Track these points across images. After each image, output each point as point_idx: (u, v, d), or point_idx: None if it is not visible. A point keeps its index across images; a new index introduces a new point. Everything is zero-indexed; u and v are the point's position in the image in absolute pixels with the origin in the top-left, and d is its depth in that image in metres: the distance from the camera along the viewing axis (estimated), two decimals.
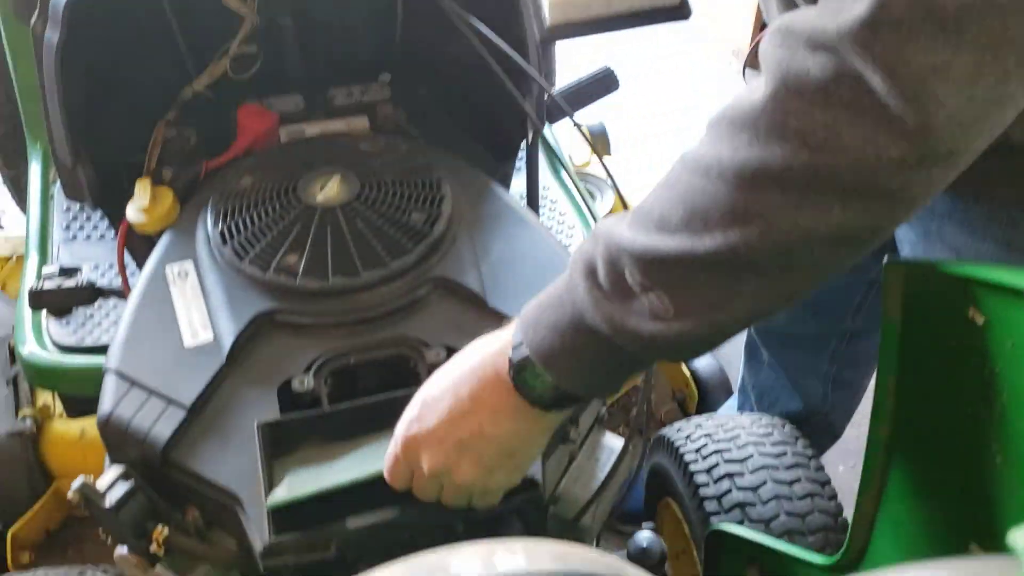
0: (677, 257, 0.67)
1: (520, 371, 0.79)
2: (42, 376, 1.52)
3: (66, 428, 1.87)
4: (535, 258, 1.14)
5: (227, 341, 1.03)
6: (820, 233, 0.64)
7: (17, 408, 1.87)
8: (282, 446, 0.97)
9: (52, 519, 1.94)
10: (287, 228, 1.11)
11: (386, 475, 0.88)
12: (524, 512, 0.98)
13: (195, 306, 1.07)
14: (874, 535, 0.80)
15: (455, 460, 0.82)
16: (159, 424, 0.97)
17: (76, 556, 1.97)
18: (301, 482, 0.92)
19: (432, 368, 1.02)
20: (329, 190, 1.15)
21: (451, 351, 1.04)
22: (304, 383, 1.00)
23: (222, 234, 1.12)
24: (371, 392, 1.05)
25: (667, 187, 0.70)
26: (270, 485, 0.92)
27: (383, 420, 0.96)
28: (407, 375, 1.03)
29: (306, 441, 0.98)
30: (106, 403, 0.99)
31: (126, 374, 1.01)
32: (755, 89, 0.65)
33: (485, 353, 0.83)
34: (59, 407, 1.90)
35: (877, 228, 0.65)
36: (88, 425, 1.83)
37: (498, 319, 1.06)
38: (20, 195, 2.16)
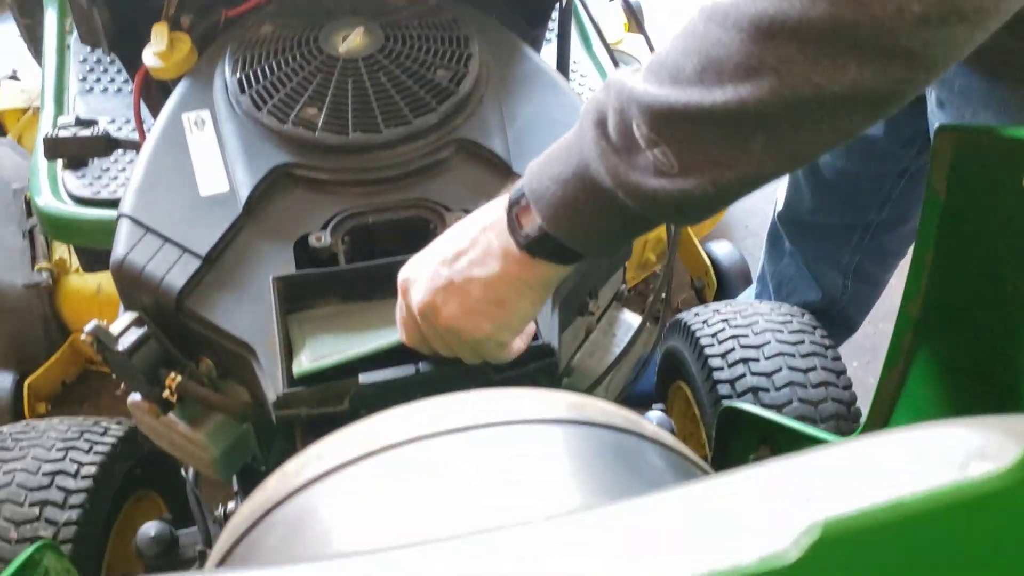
0: (685, 110, 0.64)
1: (513, 206, 0.77)
2: (57, 228, 1.51)
3: (82, 283, 1.88)
4: (564, 123, 1.09)
5: (243, 192, 1.01)
6: (834, 91, 0.60)
7: (33, 261, 1.87)
8: (297, 302, 0.96)
9: (69, 371, 1.96)
10: (307, 79, 1.08)
11: (399, 331, 0.87)
12: (538, 380, 0.97)
13: (211, 156, 1.05)
14: (893, 418, 0.78)
15: (441, 300, 0.81)
16: (173, 272, 0.95)
17: (92, 409, 2.00)
18: (324, 348, 0.91)
19: None
20: (352, 41, 1.11)
21: None
22: (321, 239, 0.98)
23: (240, 83, 1.08)
24: (389, 253, 1.03)
25: (684, 37, 0.66)
26: (285, 339, 0.91)
27: None
28: (426, 238, 1.01)
29: (321, 299, 0.97)
30: (120, 248, 0.98)
31: (140, 220, 0.99)
32: None
33: (492, 204, 0.83)
34: (76, 262, 1.90)
35: (894, 91, 0.61)
36: (105, 280, 1.83)
37: None
38: (36, 45, 2.11)
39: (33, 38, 2.12)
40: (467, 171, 1.06)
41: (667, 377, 1.66)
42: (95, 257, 1.58)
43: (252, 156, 1.03)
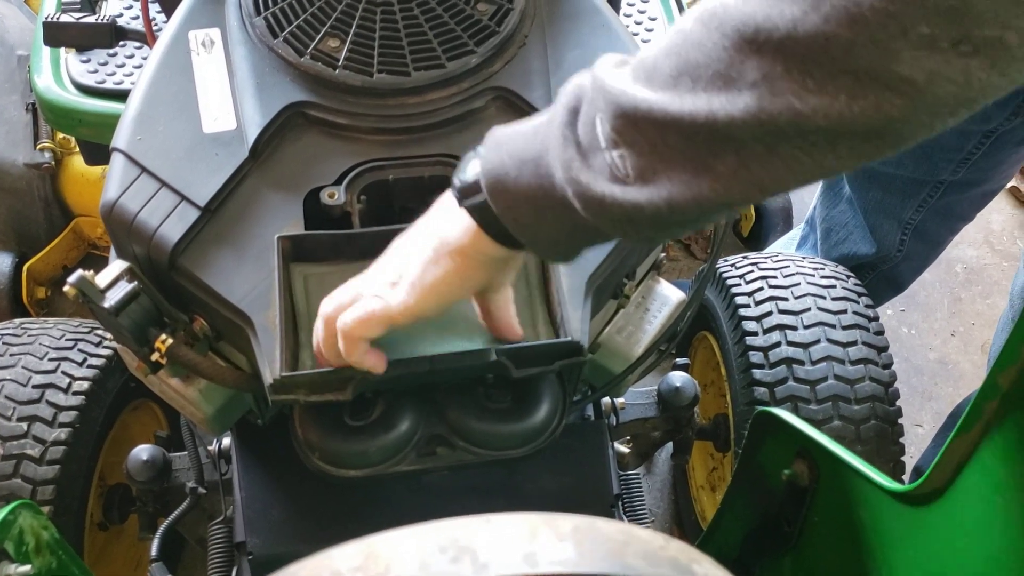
0: (650, 113, 0.57)
1: (463, 168, 0.70)
2: (58, 116, 1.40)
3: (87, 165, 1.78)
4: None
5: (252, 132, 0.90)
6: (816, 122, 0.52)
7: (36, 138, 1.76)
8: (303, 262, 0.87)
9: (70, 256, 1.89)
10: (331, 4, 0.95)
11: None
12: (562, 373, 0.88)
13: (218, 85, 0.93)
14: (958, 483, 0.70)
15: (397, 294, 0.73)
16: (169, 222, 0.86)
17: None
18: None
19: None
20: None
21: None
22: (335, 196, 0.88)
23: (256, 1, 0.96)
24: (408, 214, 0.93)
25: (673, 33, 0.59)
26: (288, 313, 0.82)
27: None
28: None
29: (330, 259, 0.88)
30: (111, 189, 0.88)
31: (135, 158, 0.88)
32: None
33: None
34: None
35: (887, 130, 0.52)
36: None
37: None
38: None
39: None
40: (502, 124, 0.94)
41: (693, 326, 1.58)
42: (99, 150, 1.47)
43: (264, 90, 0.92)
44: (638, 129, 0.58)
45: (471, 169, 0.70)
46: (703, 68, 0.55)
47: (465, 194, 0.70)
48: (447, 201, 0.73)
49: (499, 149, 0.68)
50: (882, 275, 1.69)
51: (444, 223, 0.72)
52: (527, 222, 0.67)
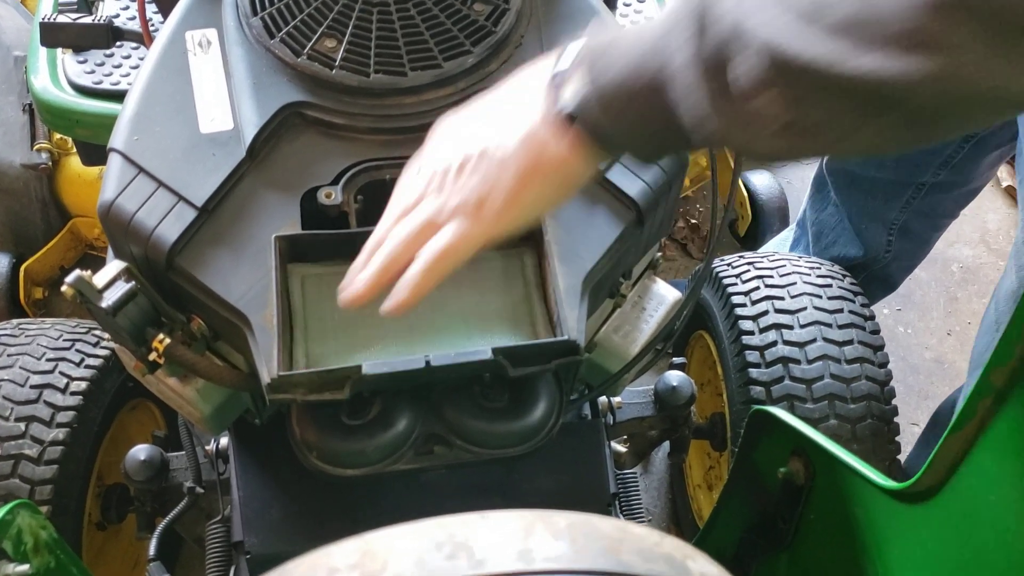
0: (819, 70, 0.50)
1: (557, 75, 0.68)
2: (55, 117, 1.41)
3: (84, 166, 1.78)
4: None
5: (249, 132, 0.90)
6: (1011, 92, 0.48)
7: (33, 139, 1.76)
8: (300, 261, 0.87)
9: (67, 256, 1.89)
10: (327, 4, 0.95)
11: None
12: (558, 372, 0.88)
13: (215, 85, 0.93)
14: (953, 483, 0.70)
15: (463, 163, 0.73)
16: (166, 223, 0.86)
17: None
18: (328, 341, 0.83)
19: None
20: None
21: None
22: (331, 196, 0.88)
23: (252, 1, 0.96)
24: None
25: None
26: (285, 312, 0.82)
27: None
28: None
29: (327, 259, 0.88)
30: (109, 189, 0.88)
31: (133, 158, 0.89)
32: None
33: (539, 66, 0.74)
34: None
35: None
36: None
37: None
38: None
39: None
40: None
41: (689, 326, 1.58)
42: (96, 150, 1.48)
43: (261, 90, 0.92)
44: (801, 83, 0.52)
45: (567, 90, 0.68)
46: (887, 23, 0.48)
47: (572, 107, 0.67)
48: (531, 116, 0.70)
49: (608, 48, 0.65)
50: (873, 275, 1.69)
51: (533, 142, 0.70)
52: (617, 119, 0.65)
